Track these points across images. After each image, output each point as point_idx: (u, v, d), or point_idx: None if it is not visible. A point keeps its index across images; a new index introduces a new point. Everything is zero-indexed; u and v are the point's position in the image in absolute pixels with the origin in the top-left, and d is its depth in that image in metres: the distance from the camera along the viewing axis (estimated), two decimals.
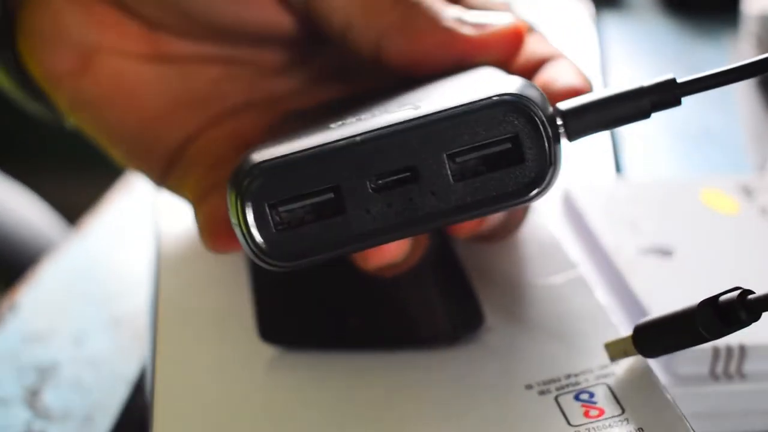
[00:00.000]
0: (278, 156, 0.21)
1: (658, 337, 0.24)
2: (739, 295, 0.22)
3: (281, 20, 0.30)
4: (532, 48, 0.28)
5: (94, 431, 0.33)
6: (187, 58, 0.31)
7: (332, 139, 0.21)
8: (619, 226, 0.36)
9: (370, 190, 0.21)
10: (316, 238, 0.22)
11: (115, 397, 0.34)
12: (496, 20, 0.27)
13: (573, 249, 0.37)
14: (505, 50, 0.27)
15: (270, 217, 0.21)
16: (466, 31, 0.26)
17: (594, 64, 0.65)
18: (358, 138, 0.21)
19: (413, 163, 0.21)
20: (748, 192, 0.39)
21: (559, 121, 0.22)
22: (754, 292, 0.22)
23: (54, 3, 0.30)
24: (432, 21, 0.27)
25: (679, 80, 0.22)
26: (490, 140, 0.21)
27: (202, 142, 0.30)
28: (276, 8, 0.29)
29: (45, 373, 0.36)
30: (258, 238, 0.22)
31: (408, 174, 0.22)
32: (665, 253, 0.34)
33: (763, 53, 0.21)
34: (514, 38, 0.27)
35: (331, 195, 0.22)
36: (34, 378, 0.35)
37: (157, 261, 0.33)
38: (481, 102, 0.21)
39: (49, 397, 0.34)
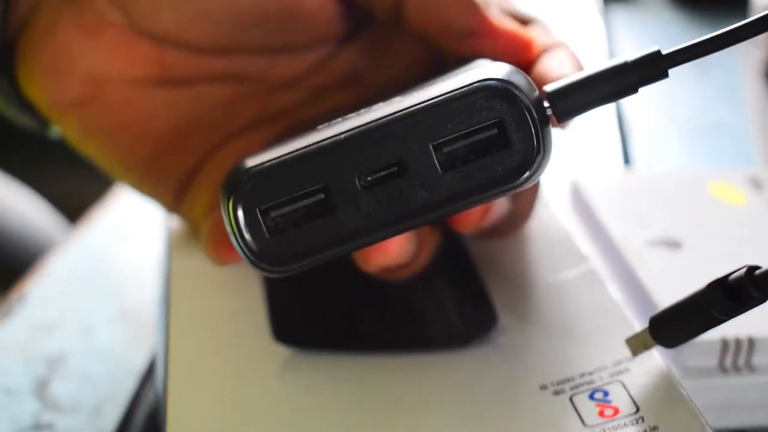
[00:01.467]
0: (266, 160, 0.21)
1: (674, 325, 0.24)
2: (747, 271, 0.22)
3: None
4: (534, 38, 0.28)
5: (103, 422, 0.33)
6: (197, 80, 0.30)
7: (317, 140, 0.21)
8: (627, 218, 0.36)
9: (359, 188, 0.21)
10: (310, 241, 0.22)
11: (123, 389, 0.34)
12: (518, 26, 0.28)
13: (581, 241, 0.37)
14: (510, 50, 0.27)
15: (262, 222, 0.21)
16: (489, 15, 0.27)
17: (602, 56, 0.65)
18: (342, 136, 0.21)
19: (400, 156, 0.21)
20: (756, 184, 0.39)
21: (546, 104, 0.22)
22: (760, 267, 0.22)
23: (59, 31, 0.29)
24: None
25: (664, 52, 0.22)
26: (475, 127, 0.21)
27: (212, 164, 0.30)
28: None
29: (54, 364, 0.36)
30: (251, 243, 0.21)
31: (396, 168, 0.21)
32: (674, 245, 0.34)
33: None
34: (524, 47, 0.27)
35: (321, 196, 0.21)
36: (43, 369, 0.36)
37: (168, 258, 0.33)
38: (462, 89, 0.21)
39: (58, 389, 0.34)
